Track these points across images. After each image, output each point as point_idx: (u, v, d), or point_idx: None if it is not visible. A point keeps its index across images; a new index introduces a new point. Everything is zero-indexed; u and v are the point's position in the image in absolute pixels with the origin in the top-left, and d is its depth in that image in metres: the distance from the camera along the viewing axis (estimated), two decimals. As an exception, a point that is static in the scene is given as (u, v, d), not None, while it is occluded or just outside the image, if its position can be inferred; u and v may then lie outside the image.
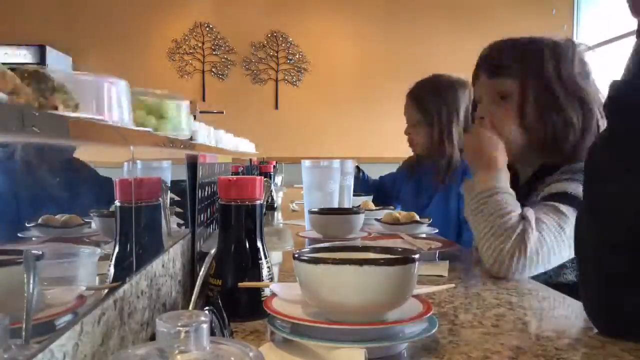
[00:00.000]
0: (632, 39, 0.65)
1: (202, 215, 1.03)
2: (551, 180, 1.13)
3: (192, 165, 0.98)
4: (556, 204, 1.05)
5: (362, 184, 2.33)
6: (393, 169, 2.42)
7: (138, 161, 0.66)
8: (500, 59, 1.25)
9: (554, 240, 1.01)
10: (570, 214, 1.02)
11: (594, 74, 1.21)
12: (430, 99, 1.99)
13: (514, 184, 1.18)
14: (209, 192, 1.12)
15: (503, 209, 1.04)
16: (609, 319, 0.67)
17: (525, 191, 1.20)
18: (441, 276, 1.02)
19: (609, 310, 0.66)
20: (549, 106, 1.18)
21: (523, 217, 1.02)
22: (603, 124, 1.15)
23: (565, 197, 1.05)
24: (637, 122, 0.63)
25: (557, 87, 1.18)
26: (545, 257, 1.01)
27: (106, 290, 0.56)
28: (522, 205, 1.08)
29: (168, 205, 0.84)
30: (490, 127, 1.22)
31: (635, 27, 0.63)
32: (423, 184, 2.12)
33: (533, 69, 1.20)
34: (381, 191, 2.29)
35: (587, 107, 1.17)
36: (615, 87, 0.65)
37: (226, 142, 1.62)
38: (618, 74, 0.65)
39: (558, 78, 1.18)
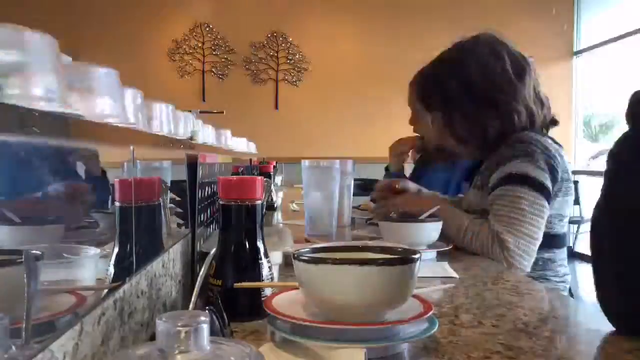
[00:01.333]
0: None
1: (202, 215, 1.03)
2: (496, 159, 1.29)
3: (192, 165, 0.97)
4: (511, 190, 1.21)
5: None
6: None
7: (138, 161, 0.66)
8: (422, 94, 1.44)
9: (525, 225, 1.18)
10: (523, 193, 1.20)
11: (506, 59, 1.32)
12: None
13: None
14: (209, 192, 1.12)
15: (481, 241, 1.22)
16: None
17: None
18: (452, 277, 1.01)
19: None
20: (476, 120, 1.33)
21: (494, 234, 1.20)
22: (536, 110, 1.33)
23: (512, 178, 1.22)
24: None
25: (477, 98, 1.32)
26: (526, 240, 1.18)
27: (106, 290, 0.56)
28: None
29: (168, 205, 0.84)
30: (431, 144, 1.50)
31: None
32: (445, 177, 2.09)
33: (447, 93, 1.36)
34: None
35: (508, 104, 1.30)
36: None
37: (227, 141, 1.62)
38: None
39: (474, 89, 1.32)
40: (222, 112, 3.30)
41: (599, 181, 0.71)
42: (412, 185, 1.57)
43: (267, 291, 0.76)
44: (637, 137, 0.67)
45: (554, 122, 1.40)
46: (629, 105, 0.68)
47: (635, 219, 0.64)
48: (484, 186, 1.32)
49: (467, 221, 1.25)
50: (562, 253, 1.34)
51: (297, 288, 0.68)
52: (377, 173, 2.42)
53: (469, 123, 1.33)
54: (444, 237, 1.25)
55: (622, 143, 0.69)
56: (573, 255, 3.58)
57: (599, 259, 0.70)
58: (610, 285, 0.68)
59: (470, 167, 1.71)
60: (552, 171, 1.24)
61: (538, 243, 1.19)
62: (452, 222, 1.25)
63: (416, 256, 0.62)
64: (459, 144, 1.39)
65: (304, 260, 0.62)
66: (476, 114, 1.32)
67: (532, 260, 1.20)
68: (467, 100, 1.31)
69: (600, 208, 0.71)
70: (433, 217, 1.29)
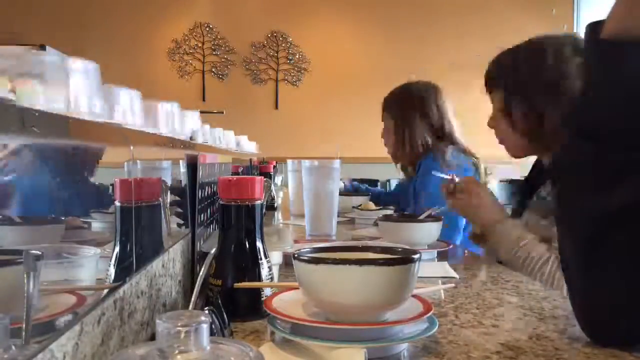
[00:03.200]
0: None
1: (202, 215, 1.03)
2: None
3: (192, 165, 0.97)
4: None
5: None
6: (394, 168, 2.41)
7: (138, 161, 0.66)
8: (488, 74, 1.39)
9: None
10: None
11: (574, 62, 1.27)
12: (395, 107, 2.10)
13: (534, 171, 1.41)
14: (209, 192, 1.12)
15: (536, 261, 1.15)
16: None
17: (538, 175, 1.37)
18: (452, 277, 1.01)
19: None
20: (536, 106, 1.28)
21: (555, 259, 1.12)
22: None
23: None
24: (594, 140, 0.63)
25: (537, 88, 1.27)
26: None
27: (106, 290, 0.56)
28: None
29: (168, 205, 0.84)
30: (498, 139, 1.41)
31: None
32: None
33: (511, 78, 1.32)
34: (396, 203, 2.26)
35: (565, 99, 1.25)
36: (575, 105, 0.67)
37: (227, 141, 1.62)
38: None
39: (538, 80, 1.27)
40: (222, 112, 3.29)
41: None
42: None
43: (267, 291, 0.76)
44: (586, 148, 0.67)
45: None
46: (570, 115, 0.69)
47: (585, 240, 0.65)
48: (548, 214, 1.21)
49: (551, 254, 1.15)
50: None
51: (297, 288, 0.68)
52: (377, 173, 2.42)
53: (529, 108, 1.29)
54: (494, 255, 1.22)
55: (569, 154, 0.69)
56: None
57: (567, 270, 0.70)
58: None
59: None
60: None
61: None
62: (532, 248, 1.17)
63: (416, 256, 0.62)
64: (511, 129, 1.34)
65: (304, 260, 0.62)
66: (540, 101, 1.27)
67: None
68: (536, 86, 1.28)
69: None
70: (433, 217, 1.29)
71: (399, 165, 2.19)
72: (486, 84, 1.40)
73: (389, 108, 2.13)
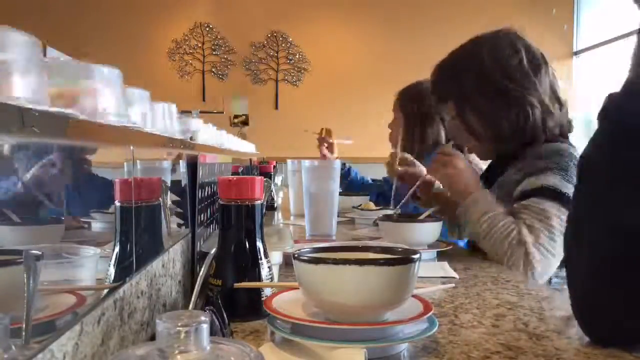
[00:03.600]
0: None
1: (202, 215, 1.03)
2: (524, 168, 1.22)
3: (192, 165, 0.97)
4: (541, 203, 1.14)
5: (352, 184, 2.32)
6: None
7: (138, 161, 0.66)
8: (436, 85, 1.39)
9: (550, 242, 1.11)
10: (554, 208, 1.12)
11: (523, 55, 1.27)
12: (408, 103, 2.13)
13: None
14: (209, 192, 1.12)
15: (501, 232, 1.14)
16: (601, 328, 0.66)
17: (494, 172, 1.37)
18: (452, 277, 1.01)
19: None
20: (489, 112, 1.28)
21: (519, 233, 1.12)
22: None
23: (547, 192, 1.15)
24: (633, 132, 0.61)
25: (482, 94, 1.28)
26: (551, 259, 1.11)
27: (106, 290, 0.56)
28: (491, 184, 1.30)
29: (168, 205, 0.84)
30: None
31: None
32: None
33: (455, 88, 1.32)
34: (381, 195, 2.26)
35: (521, 97, 1.25)
36: (612, 98, 0.65)
37: (227, 142, 1.62)
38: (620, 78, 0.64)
39: (480, 85, 1.28)
40: (222, 112, 3.30)
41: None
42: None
43: (267, 291, 0.76)
44: (608, 136, 0.65)
45: (569, 126, 1.33)
46: (602, 107, 0.65)
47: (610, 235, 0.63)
48: (506, 198, 1.22)
49: (497, 210, 1.17)
50: None
51: (297, 288, 0.68)
52: (376, 173, 2.42)
53: (483, 116, 1.29)
54: (465, 226, 1.25)
55: (597, 150, 0.67)
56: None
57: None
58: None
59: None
60: None
61: (559, 261, 1.12)
62: (479, 207, 1.19)
63: (416, 256, 0.62)
64: (473, 138, 1.34)
65: (304, 260, 0.62)
66: (490, 107, 1.27)
67: (548, 278, 1.14)
68: (482, 93, 1.27)
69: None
70: (433, 217, 1.29)
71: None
72: (434, 97, 1.41)
73: (401, 104, 2.14)
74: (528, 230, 1.11)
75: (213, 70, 5.44)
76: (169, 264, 0.78)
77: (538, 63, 1.27)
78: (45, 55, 0.42)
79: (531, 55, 1.27)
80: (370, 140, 5.32)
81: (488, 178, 1.37)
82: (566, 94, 1.34)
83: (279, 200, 2.35)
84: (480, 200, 1.20)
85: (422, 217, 1.29)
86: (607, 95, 0.65)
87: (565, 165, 1.17)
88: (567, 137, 1.31)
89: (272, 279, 0.79)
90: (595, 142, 0.67)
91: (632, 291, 0.62)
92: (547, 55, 1.30)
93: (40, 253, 0.39)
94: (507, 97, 1.24)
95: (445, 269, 1.08)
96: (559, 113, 1.28)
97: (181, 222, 0.94)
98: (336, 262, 0.60)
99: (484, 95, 1.27)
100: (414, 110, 2.09)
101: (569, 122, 1.32)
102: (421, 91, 2.08)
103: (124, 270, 0.60)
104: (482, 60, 1.27)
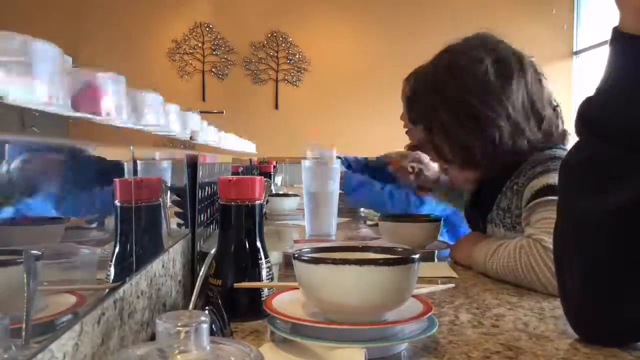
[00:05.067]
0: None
1: (202, 215, 1.03)
2: (523, 179, 1.07)
3: (192, 165, 0.97)
4: (545, 201, 1.00)
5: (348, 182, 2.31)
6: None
7: (138, 161, 0.66)
8: (406, 110, 1.27)
9: None
10: None
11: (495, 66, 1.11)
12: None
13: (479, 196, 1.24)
14: (209, 192, 1.12)
15: (510, 265, 0.97)
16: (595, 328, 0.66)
17: (493, 184, 1.17)
18: (452, 277, 1.01)
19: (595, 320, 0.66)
20: (456, 138, 1.13)
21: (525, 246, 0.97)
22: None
23: (550, 190, 0.99)
24: (606, 140, 0.62)
25: (455, 112, 1.11)
26: None
27: (106, 290, 0.56)
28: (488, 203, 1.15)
29: (168, 205, 0.84)
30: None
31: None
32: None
33: (426, 108, 1.17)
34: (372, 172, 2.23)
35: (485, 116, 1.09)
36: (585, 104, 0.66)
37: (226, 142, 1.62)
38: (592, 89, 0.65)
39: (449, 101, 1.12)
40: (222, 112, 3.30)
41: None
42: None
43: (267, 291, 0.76)
44: (589, 148, 0.65)
45: (563, 137, 1.17)
46: (578, 114, 0.65)
47: (594, 241, 0.64)
48: (514, 221, 1.09)
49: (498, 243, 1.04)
50: None
51: (297, 288, 0.68)
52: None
53: (449, 141, 1.14)
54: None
55: (574, 154, 0.68)
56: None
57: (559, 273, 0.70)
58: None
59: None
60: None
61: None
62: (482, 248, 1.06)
63: (416, 256, 0.62)
64: (446, 164, 1.21)
65: (304, 260, 0.62)
66: (455, 131, 1.12)
67: None
68: (446, 114, 1.12)
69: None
70: (433, 217, 1.29)
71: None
72: (408, 118, 1.28)
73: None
74: (537, 229, 0.97)
75: (213, 70, 5.45)
76: (169, 264, 0.78)
77: (509, 72, 1.10)
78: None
79: (501, 64, 1.11)
80: (370, 140, 5.33)
81: (480, 201, 1.23)
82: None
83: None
84: (478, 255, 1.06)
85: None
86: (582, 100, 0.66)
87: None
88: (564, 144, 1.16)
89: (272, 279, 0.79)
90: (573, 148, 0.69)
91: (628, 288, 0.62)
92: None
93: (40, 253, 0.39)
94: (471, 117, 1.10)
95: (445, 269, 1.07)
96: (534, 127, 1.12)
97: (181, 222, 0.94)
98: (336, 262, 0.60)
99: (447, 117, 1.12)
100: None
101: (564, 132, 1.17)
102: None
103: (124, 270, 0.60)
104: (442, 76, 1.13)
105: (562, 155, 1.04)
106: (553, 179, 1.00)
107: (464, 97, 1.10)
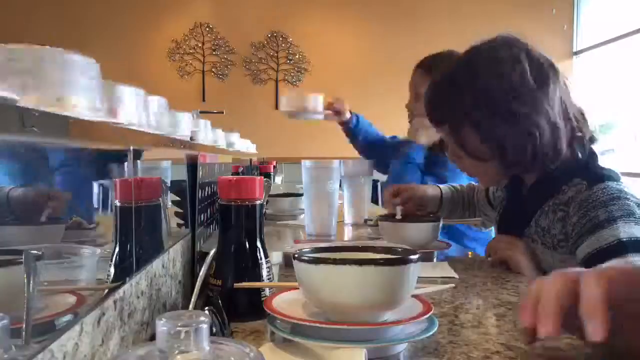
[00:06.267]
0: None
1: (202, 215, 1.03)
2: (573, 210, 1.03)
3: (192, 165, 0.98)
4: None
5: (355, 134, 2.25)
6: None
7: (138, 161, 0.66)
8: (430, 107, 1.20)
9: None
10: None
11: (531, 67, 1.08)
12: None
13: (518, 192, 1.20)
14: (209, 192, 1.12)
15: None
16: None
17: (532, 198, 1.16)
18: (452, 277, 1.01)
19: None
20: (492, 136, 1.10)
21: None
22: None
23: (623, 247, 0.94)
24: None
25: (493, 111, 1.08)
26: None
27: (106, 290, 0.56)
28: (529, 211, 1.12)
29: (168, 205, 0.84)
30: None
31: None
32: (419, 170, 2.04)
33: (458, 107, 1.12)
34: (375, 152, 2.19)
35: (526, 117, 1.07)
36: None
37: (227, 142, 1.62)
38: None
39: (488, 99, 1.09)
40: (222, 112, 3.30)
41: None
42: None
43: (267, 291, 0.76)
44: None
45: (591, 141, 1.13)
46: None
47: None
48: (556, 244, 1.06)
49: None
50: None
51: (297, 288, 0.68)
52: (375, 172, 2.42)
53: (485, 139, 1.11)
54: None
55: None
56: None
57: None
58: None
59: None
60: None
61: None
62: None
63: (416, 256, 0.62)
64: (477, 163, 1.16)
65: (304, 260, 0.62)
66: (492, 129, 1.09)
67: None
68: (483, 114, 1.09)
69: None
70: (433, 217, 1.29)
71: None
72: (429, 118, 1.22)
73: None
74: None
75: (213, 70, 5.45)
76: (169, 264, 0.78)
77: (545, 74, 1.09)
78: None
79: (535, 65, 1.09)
80: (370, 140, 5.33)
81: (516, 210, 1.20)
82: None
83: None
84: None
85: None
86: None
87: (627, 208, 0.98)
88: (597, 161, 1.12)
89: (272, 279, 0.79)
90: None
91: None
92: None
93: (40, 253, 0.39)
94: (511, 117, 1.07)
95: (445, 269, 1.07)
96: (567, 128, 1.10)
97: (181, 222, 0.94)
98: (336, 262, 0.60)
99: (484, 115, 1.09)
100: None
101: (591, 137, 1.13)
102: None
103: (124, 270, 0.60)
104: (479, 76, 1.10)
105: (618, 191, 1.00)
106: (624, 232, 0.95)
107: (505, 96, 1.07)
